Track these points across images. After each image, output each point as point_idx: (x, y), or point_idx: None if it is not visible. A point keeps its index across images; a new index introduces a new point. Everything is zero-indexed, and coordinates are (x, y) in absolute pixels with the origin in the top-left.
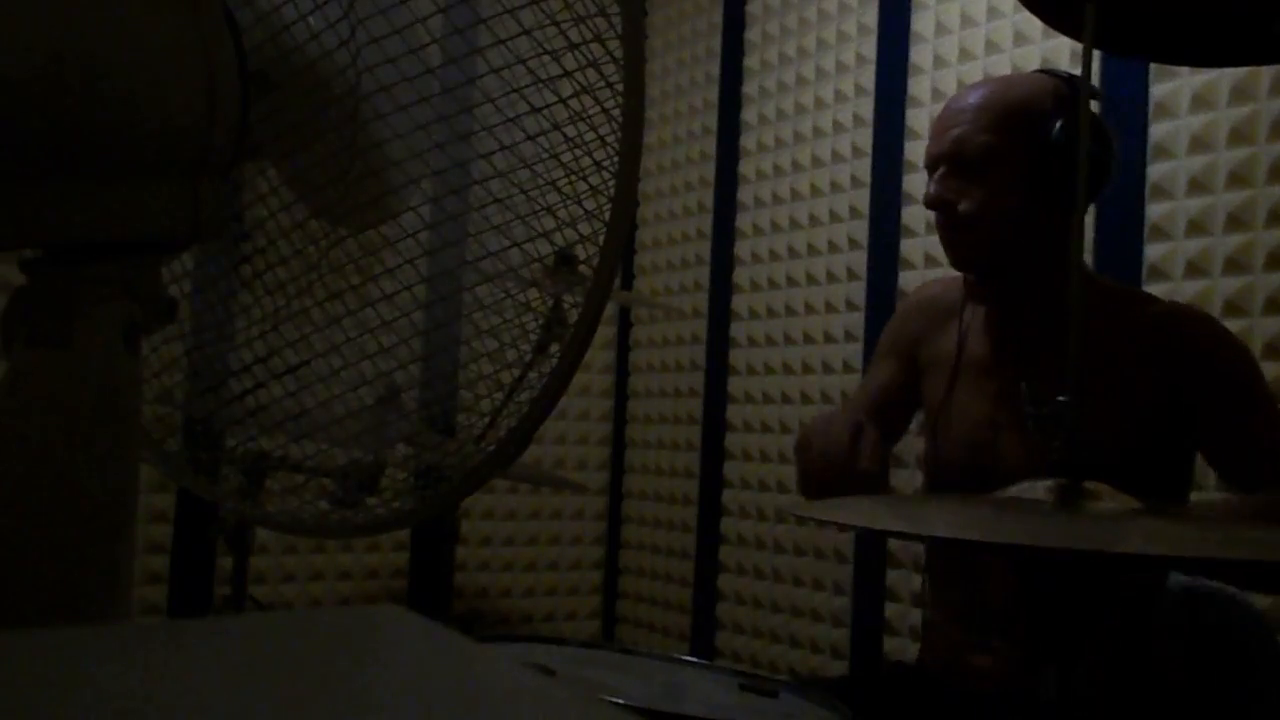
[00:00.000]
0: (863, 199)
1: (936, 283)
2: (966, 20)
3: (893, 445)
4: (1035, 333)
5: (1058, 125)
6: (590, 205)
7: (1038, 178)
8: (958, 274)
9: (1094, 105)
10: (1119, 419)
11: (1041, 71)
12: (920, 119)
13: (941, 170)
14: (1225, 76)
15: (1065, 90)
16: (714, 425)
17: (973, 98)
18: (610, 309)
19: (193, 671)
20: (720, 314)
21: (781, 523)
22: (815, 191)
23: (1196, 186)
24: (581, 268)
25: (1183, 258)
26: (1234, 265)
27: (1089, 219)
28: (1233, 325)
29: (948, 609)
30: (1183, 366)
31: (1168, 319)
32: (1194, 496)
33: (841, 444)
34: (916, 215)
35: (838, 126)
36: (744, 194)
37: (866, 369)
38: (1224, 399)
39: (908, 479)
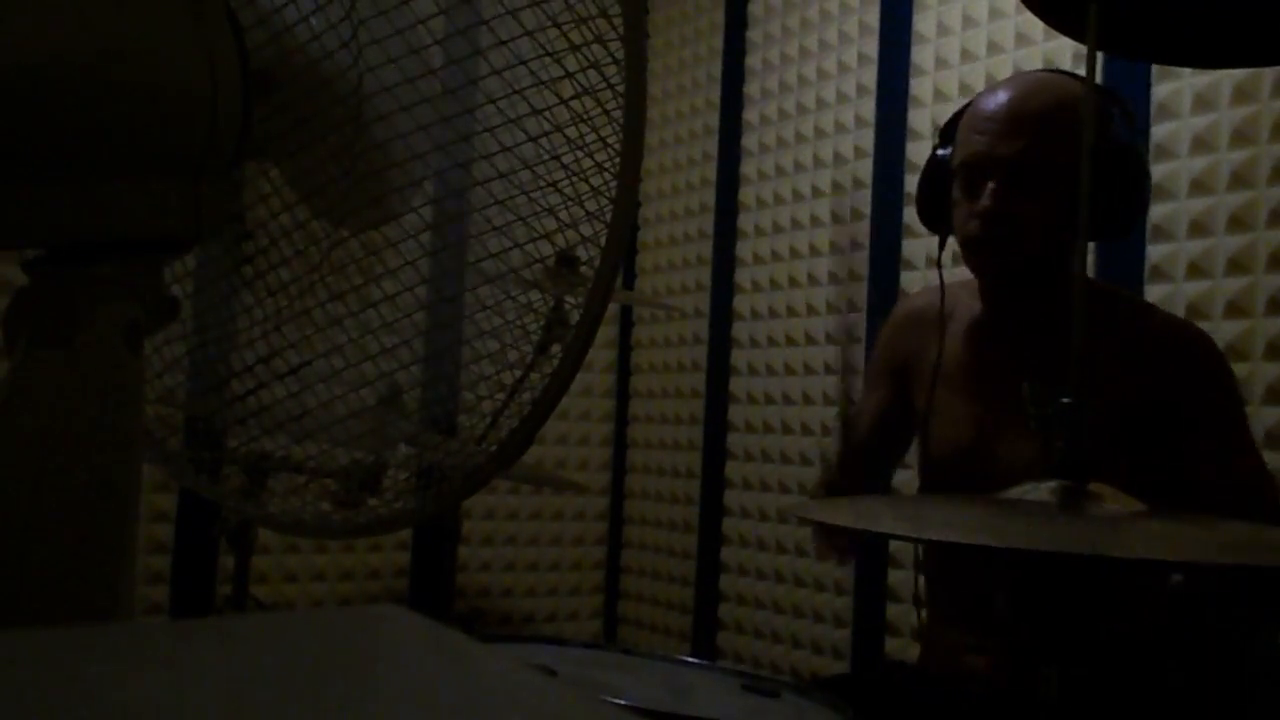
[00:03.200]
0: (864, 199)
1: (919, 294)
2: (968, 21)
3: (894, 465)
4: (1027, 337)
5: (1115, 143)
6: (592, 206)
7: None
8: (936, 283)
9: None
10: (1110, 422)
11: (1071, 75)
12: (922, 119)
13: (997, 180)
14: (1227, 77)
15: (1109, 103)
16: (715, 425)
17: (1037, 105)
18: (612, 309)
19: (194, 671)
20: (722, 314)
21: (783, 523)
22: (817, 192)
23: (1198, 187)
24: (583, 268)
25: (1185, 258)
26: (1236, 266)
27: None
28: (1234, 326)
29: (946, 610)
30: (1169, 383)
31: (1163, 333)
32: None
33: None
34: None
35: (839, 127)
36: (745, 194)
37: (863, 385)
38: (1202, 428)
39: (909, 479)
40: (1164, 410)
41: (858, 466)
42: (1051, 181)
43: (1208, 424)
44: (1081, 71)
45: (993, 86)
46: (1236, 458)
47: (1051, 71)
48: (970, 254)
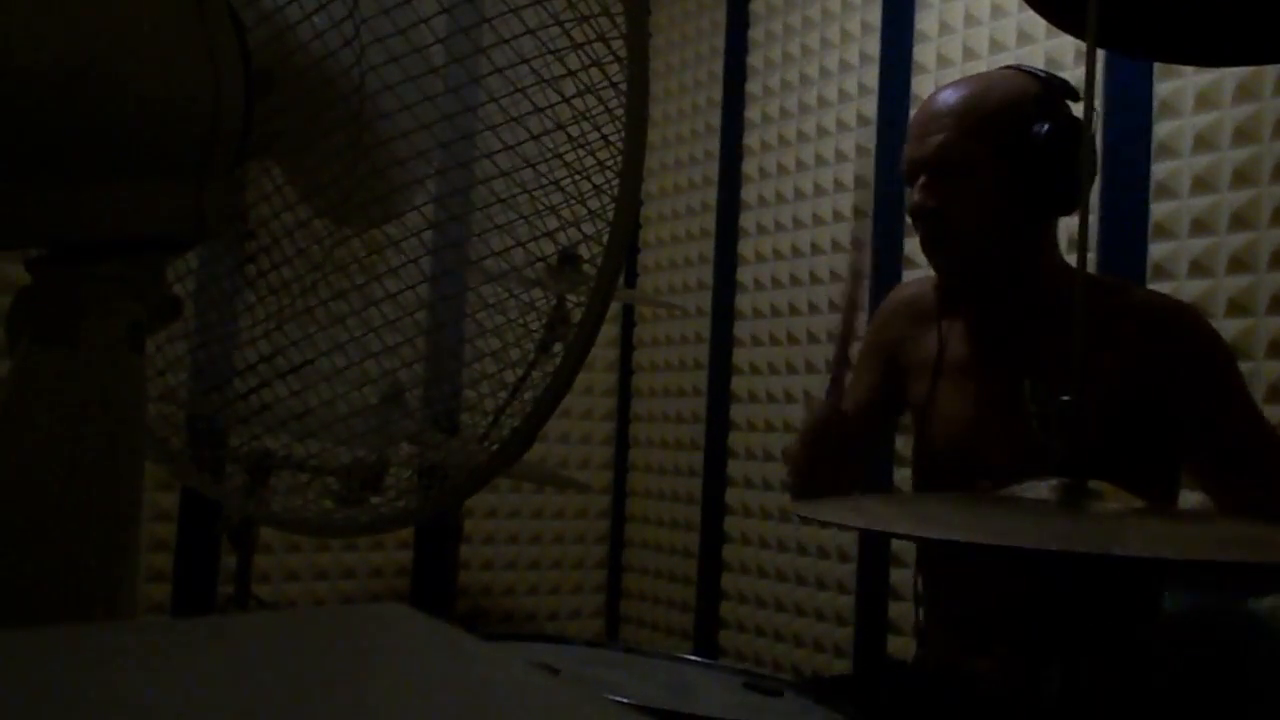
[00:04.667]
0: (866, 199)
1: (913, 283)
2: (970, 19)
3: (875, 447)
4: (1015, 330)
5: (1043, 128)
6: (594, 204)
7: (1020, 181)
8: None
9: (1074, 106)
10: (1103, 410)
11: (1015, 69)
12: None
13: (924, 178)
14: (1229, 75)
15: (1044, 90)
16: (717, 424)
17: (952, 101)
18: (614, 308)
19: (197, 670)
20: (724, 312)
21: (785, 521)
22: (819, 190)
23: (1200, 185)
24: (585, 267)
25: (1187, 257)
26: (1238, 264)
27: (1093, 218)
28: (1237, 325)
29: (944, 608)
30: (1159, 361)
31: (1143, 310)
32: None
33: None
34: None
35: (841, 125)
36: (747, 192)
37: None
38: (1199, 397)
39: (909, 479)
40: (1153, 391)
41: (844, 448)
42: (971, 172)
43: (1206, 396)
44: (1082, 69)
45: None
46: (1247, 431)
47: (1000, 69)
48: (925, 254)
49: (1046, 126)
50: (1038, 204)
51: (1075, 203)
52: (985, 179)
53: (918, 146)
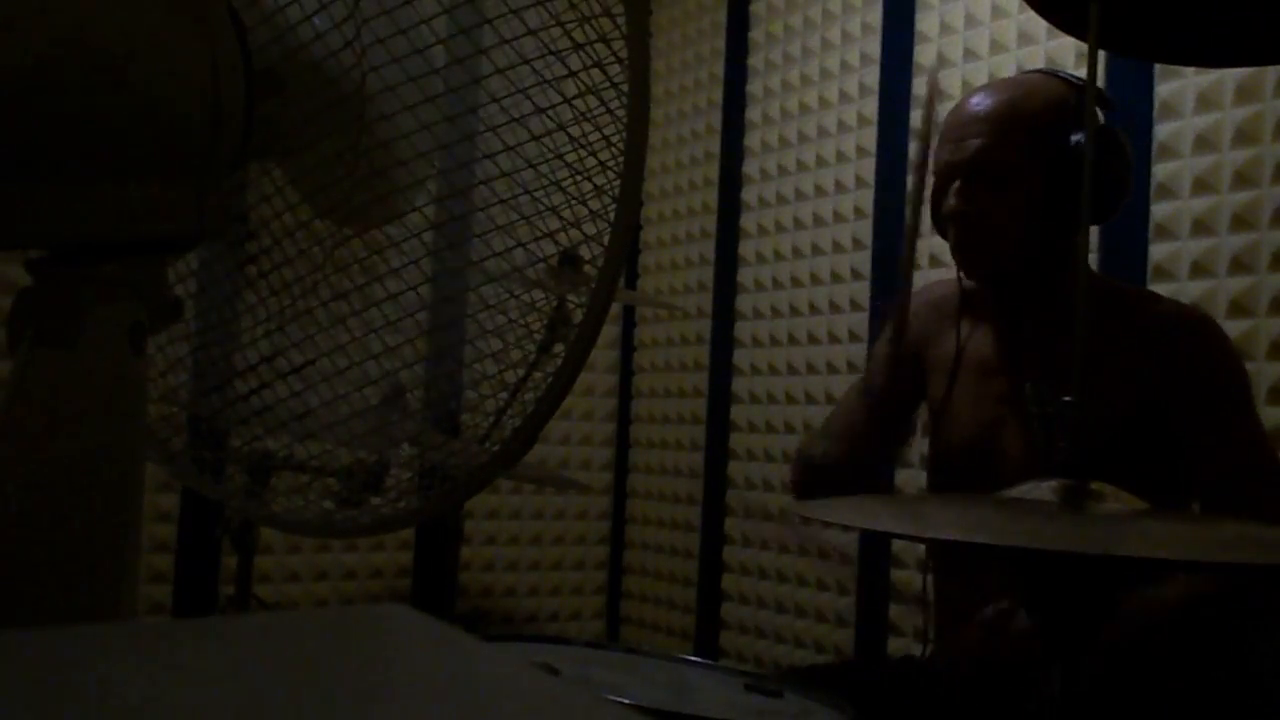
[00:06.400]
0: (867, 199)
1: (940, 284)
2: (971, 20)
3: (897, 446)
4: (1036, 334)
5: (1079, 137)
6: (595, 205)
7: (1057, 188)
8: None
9: (1103, 114)
10: (1113, 418)
11: (1048, 73)
12: None
13: (960, 181)
14: (1230, 76)
15: (1080, 98)
16: (718, 425)
17: (990, 105)
18: (614, 309)
19: (197, 671)
20: (724, 314)
21: (786, 523)
22: (819, 191)
23: (1201, 187)
24: (586, 268)
25: (1188, 258)
26: (1239, 265)
27: None
28: (1238, 326)
29: (950, 606)
30: (1164, 375)
31: (1165, 322)
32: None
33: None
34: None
35: (842, 126)
36: (748, 194)
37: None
38: (1200, 417)
39: (911, 479)
40: (1165, 401)
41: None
42: (1010, 178)
43: (1208, 414)
44: (1083, 71)
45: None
46: (1241, 448)
47: (1032, 72)
48: (956, 258)
49: (1082, 136)
50: (1072, 212)
51: (1110, 212)
52: (1021, 186)
53: (954, 150)
